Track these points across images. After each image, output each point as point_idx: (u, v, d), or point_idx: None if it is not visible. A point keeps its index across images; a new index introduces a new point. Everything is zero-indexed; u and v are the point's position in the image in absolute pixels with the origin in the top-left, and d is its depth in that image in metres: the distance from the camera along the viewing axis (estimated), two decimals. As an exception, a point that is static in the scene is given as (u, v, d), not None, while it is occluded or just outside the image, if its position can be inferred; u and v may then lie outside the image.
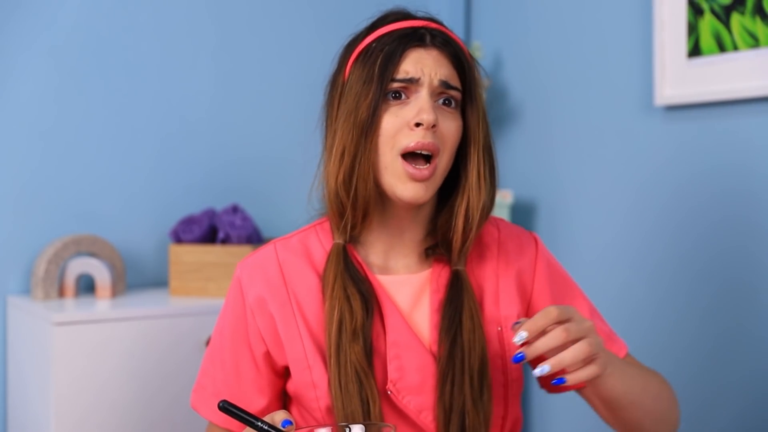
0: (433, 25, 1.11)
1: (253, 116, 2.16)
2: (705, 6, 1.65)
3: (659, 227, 1.79)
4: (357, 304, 1.07)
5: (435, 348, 1.10)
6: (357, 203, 1.08)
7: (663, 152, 1.77)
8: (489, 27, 2.26)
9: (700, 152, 1.71)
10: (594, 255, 1.94)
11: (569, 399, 2.02)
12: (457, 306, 1.10)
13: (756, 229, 1.60)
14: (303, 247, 1.15)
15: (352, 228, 1.11)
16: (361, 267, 1.12)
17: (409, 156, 1.06)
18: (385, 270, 1.14)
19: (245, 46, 2.15)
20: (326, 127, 1.13)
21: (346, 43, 1.15)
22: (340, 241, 1.12)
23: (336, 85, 1.13)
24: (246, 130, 2.15)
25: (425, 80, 1.06)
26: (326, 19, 2.22)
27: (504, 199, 2.04)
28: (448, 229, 1.12)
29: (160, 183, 2.04)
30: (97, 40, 1.96)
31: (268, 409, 1.14)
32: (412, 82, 1.06)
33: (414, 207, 1.12)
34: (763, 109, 1.57)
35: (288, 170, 2.18)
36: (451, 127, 1.08)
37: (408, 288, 1.13)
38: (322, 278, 1.11)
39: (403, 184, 1.06)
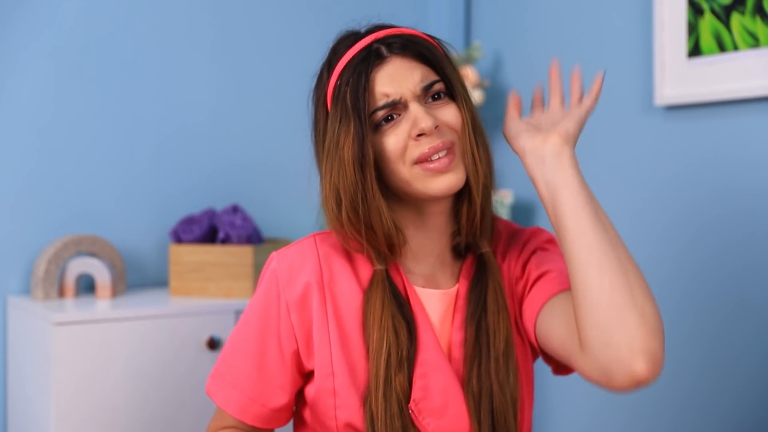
0: (381, 34, 1.09)
1: (253, 116, 2.16)
2: (705, 6, 1.65)
3: (658, 226, 1.79)
4: (404, 334, 1.06)
5: (453, 346, 1.10)
6: (378, 239, 1.06)
7: (663, 152, 1.77)
8: (489, 27, 2.26)
9: (700, 152, 1.71)
10: (594, 255, 1.94)
11: (569, 398, 2.02)
12: (482, 289, 1.11)
13: (755, 228, 1.60)
14: (343, 246, 1.13)
15: (383, 253, 1.09)
16: (403, 283, 1.11)
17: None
18: (427, 280, 1.13)
19: (245, 45, 2.15)
20: (319, 173, 1.11)
21: (313, 85, 1.13)
22: (381, 267, 1.09)
23: (318, 130, 1.12)
24: (246, 131, 2.15)
25: (407, 95, 1.06)
26: (327, 21, 2.22)
27: (504, 199, 2.04)
28: (460, 216, 1.11)
29: (160, 183, 2.04)
30: (98, 41, 1.96)
31: (287, 407, 1.13)
32: (396, 105, 1.05)
33: (449, 201, 1.11)
34: (763, 109, 1.57)
35: (288, 170, 2.18)
36: (450, 115, 1.07)
37: (443, 300, 1.12)
38: (365, 301, 1.08)
39: (433, 182, 1.05)
